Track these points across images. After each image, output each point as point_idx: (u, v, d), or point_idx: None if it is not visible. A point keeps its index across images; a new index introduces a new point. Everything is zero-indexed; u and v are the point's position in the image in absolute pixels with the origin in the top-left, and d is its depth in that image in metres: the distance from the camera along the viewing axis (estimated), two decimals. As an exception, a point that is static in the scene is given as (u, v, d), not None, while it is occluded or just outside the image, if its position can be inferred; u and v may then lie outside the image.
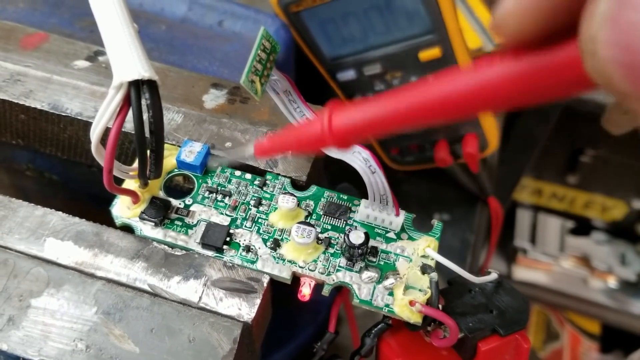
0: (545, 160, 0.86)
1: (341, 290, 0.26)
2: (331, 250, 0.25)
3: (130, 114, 0.22)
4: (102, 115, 0.21)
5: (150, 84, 0.22)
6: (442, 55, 0.36)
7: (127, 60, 0.21)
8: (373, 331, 0.26)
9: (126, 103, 0.22)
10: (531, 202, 0.97)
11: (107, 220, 0.26)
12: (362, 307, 0.24)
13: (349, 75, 0.39)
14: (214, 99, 0.30)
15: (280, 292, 0.28)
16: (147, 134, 0.23)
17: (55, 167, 0.34)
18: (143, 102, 0.22)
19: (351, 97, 0.42)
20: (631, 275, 0.92)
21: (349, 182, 0.30)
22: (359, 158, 0.25)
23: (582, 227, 0.96)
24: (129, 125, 0.22)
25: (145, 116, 0.22)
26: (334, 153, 0.26)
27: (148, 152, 0.24)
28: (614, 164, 0.86)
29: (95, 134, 0.22)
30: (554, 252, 0.94)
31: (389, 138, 0.45)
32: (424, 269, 0.25)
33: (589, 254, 0.94)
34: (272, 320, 0.29)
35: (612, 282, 0.93)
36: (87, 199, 0.34)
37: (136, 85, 0.21)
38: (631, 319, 0.94)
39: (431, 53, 0.36)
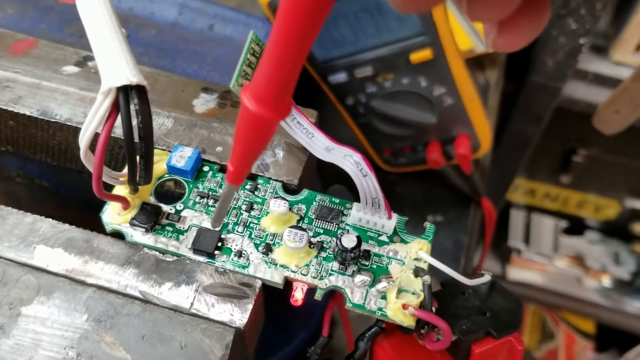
0: (538, 160, 0.86)
1: (334, 294, 0.26)
2: (323, 255, 0.25)
3: (119, 119, 0.22)
4: (91, 121, 0.21)
5: (139, 89, 0.21)
6: (434, 57, 0.36)
7: (115, 65, 0.21)
8: (367, 335, 0.26)
9: (115, 109, 0.21)
10: (525, 202, 0.97)
11: (98, 226, 0.26)
12: (356, 311, 0.24)
13: (340, 77, 0.39)
14: (204, 103, 0.30)
15: (275, 297, 0.27)
16: (137, 140, 0.23)
17: (45, 174, 0.34)
18: (132, 107, 0.22)
19: (343, 99, 0.42)
20: (625, 274, 0.93)
21: (341, 184, 0.30)
22: (350, 161, 0.25)
23: (576, 226, 0.97)
24: (119, 130, 0.22)
25: (134, 122, 0.22)
26: (324, 157, 0.26)
27: (138, 157, 0.23)
28: (607, 164, 0.86)
29: (83, 140, 0.22)
30: (548, 252, 0.94)
31: (381, 140, 0.45)
32: (417, 272, 0.25)
33: (583, 253, 0.94)
34: (267, 324, 0.29)
35: (606, 281, 0.94)
36: (78, 205, 0.34)
37: (125, 91, 0.21)
38: (626, 318, 0.94)
39: (422, 55, 0.36)
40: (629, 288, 0.94)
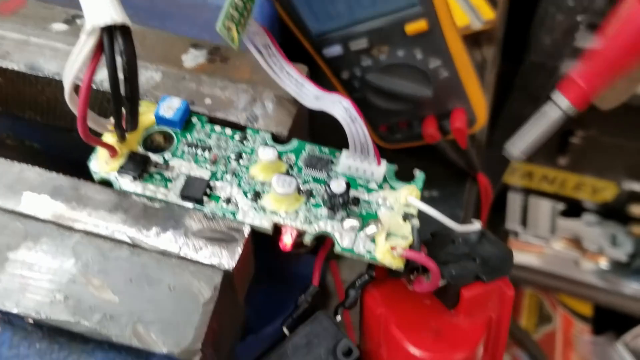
0: (535, 142, 0.86)
1: (324, 242, 0.26)
2: (313, 201, 0.25)
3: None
4: (74, 60, 0.21)
5: (123, 30, 0.21)
6: (429, 28, 0.36)
7: (100, 5, 0.21)
8: (357, 283, 0.26)
9: (99, 50, 0.21)
10: (522, 185, 0.97)
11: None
12: (345, 255, 0.24)
13: (335, 51, 0.39)
14: (193, 58, 0.30)
15: (270, 270, 0.27)
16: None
17: (35, 134, 0.34)
18: (117, 48, 0.21)
19: (338, 73, 0.41)
20: (622, 256, 0.93)
21: (330, 137, 0.29)
22: (339, 107, 0.25)
23: (573, 209, 0.96)
24: (107, 84, 0.22)
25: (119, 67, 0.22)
26: (314, 105, 0.26)
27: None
28: (604, 145, 0.86)
29: (68, 79, 0.21)
30: (545, 235, 0.94)
31: (376, 116, 0.45)
32: (406, 217, 0.25)
33: (580, 235, 0.94)
34: (262, 297, 0.29)
35: (603, 263, 0.94)
36: (69, 168, 0.34)
37: (109, 31, 0.21)
38: (623, 300, 0.94)
39: (418, 26, 0.36)
40: (626, 270, 0.93)
